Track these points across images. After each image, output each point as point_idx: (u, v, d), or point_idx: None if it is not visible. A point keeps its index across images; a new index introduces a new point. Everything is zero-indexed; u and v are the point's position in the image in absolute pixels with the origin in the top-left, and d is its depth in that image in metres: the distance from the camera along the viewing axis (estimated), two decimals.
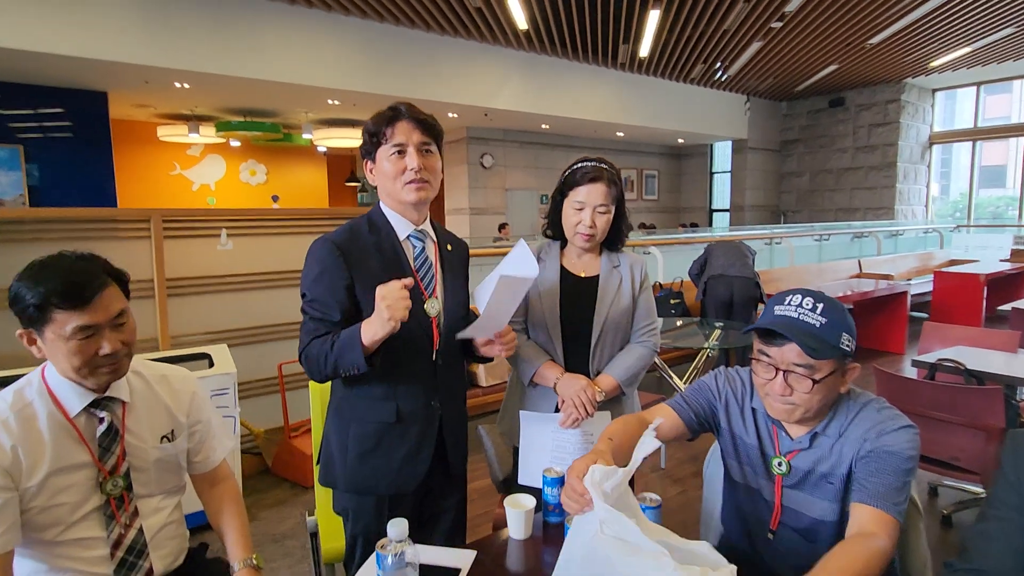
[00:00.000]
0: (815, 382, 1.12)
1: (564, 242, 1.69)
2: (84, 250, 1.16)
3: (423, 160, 1.34)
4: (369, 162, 1.39)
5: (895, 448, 1.11)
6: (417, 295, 1.35)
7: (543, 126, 10.61)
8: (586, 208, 1.58)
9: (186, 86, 7.08)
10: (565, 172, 1.65)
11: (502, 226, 9.68)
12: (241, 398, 2.79)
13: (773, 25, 7.64)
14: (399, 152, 1.33)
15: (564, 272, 1.66)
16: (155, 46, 5.91)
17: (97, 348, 1.11)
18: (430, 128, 1.36)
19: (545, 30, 7.83)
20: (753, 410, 1.28)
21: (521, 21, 7.23)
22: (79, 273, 1.09)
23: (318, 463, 1.46)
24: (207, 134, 9.58)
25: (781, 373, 1.14)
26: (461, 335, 1.35)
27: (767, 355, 1.16)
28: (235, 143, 10.78)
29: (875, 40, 8.31)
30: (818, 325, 1.12)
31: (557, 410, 1.59)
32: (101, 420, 1.18)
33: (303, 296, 1.34)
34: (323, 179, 12.51)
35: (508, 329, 1.40)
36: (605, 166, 1.61)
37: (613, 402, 1.64)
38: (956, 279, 5.89)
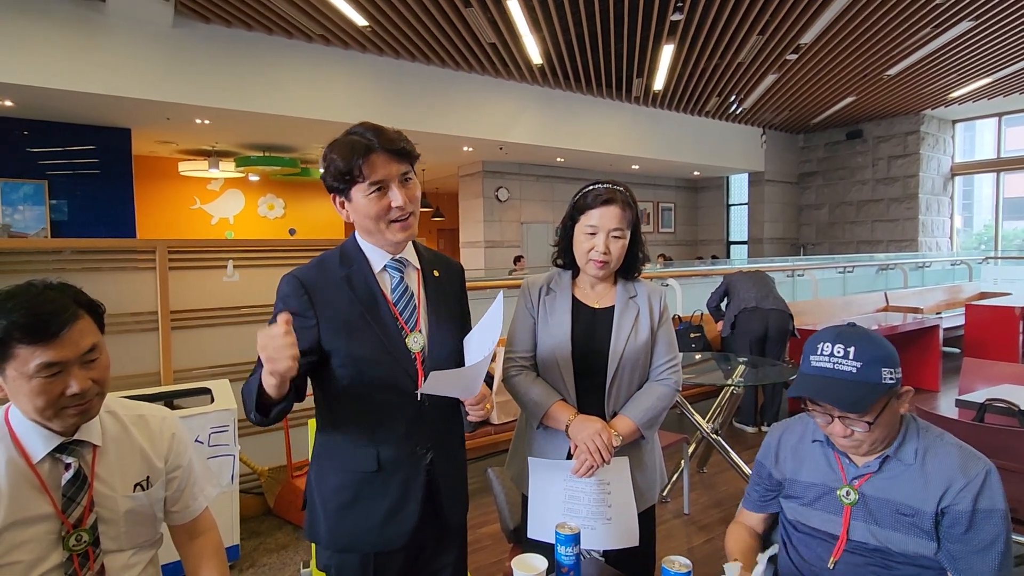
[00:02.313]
0: (870, 424, 1.12)
1: (576, 271, 1.57)
2: (55, 279, 1.06)
3: (406, 192, 1.20)
4: (340, 198, 1.23)
5: (990, 505, 1.08)
6: (396, 330, 1.22)
7: (558, 159, 10.63)
8: (599, 233, 1.45)
9: (207, 122, 7.22)
10: (575, 196, 1.53)
11: (517, 259, 9.63)
12: (242, 435, 2.68)
13: (788, 58, 7.62)
14: (379, 190, 1.19)
15: (576, 303, 1.53)
16: (177, 83, 6.04)
17: (64, 387, 1.00)
18: (406, 155, 1.22)
19: (559, 65, 7.90)
20: (815, 443, 1.27)
21: (536, 56, 7.30)
22: (45, 304, 0.99)
23: (303, 509, 1.32)
24: (227, 169, 9.74)
25: (836, 419, 1.15)
26: (424, 389, 1.13)
27: (818, 405, 1.17)
28: (254, 178, 10.95)
29: (892, 72, 8.25)
30: (854, 371, 1.12)
31: (570, 456, 1.44)
32: (68, 467, 1.06)
33: None
34: None
35: (481, 395, 1.20)
36: (619, 188, 1.49)
37: (632, 447, 1.49)
38: (989, 312, 5.65)
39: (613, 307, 1.52)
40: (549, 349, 1.50)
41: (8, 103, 6.04)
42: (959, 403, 2.51)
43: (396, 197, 1.19)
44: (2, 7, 5.15)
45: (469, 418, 1.24)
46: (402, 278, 1.28)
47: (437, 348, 1.27)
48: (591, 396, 1.49)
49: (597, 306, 1.54)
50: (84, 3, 5.50)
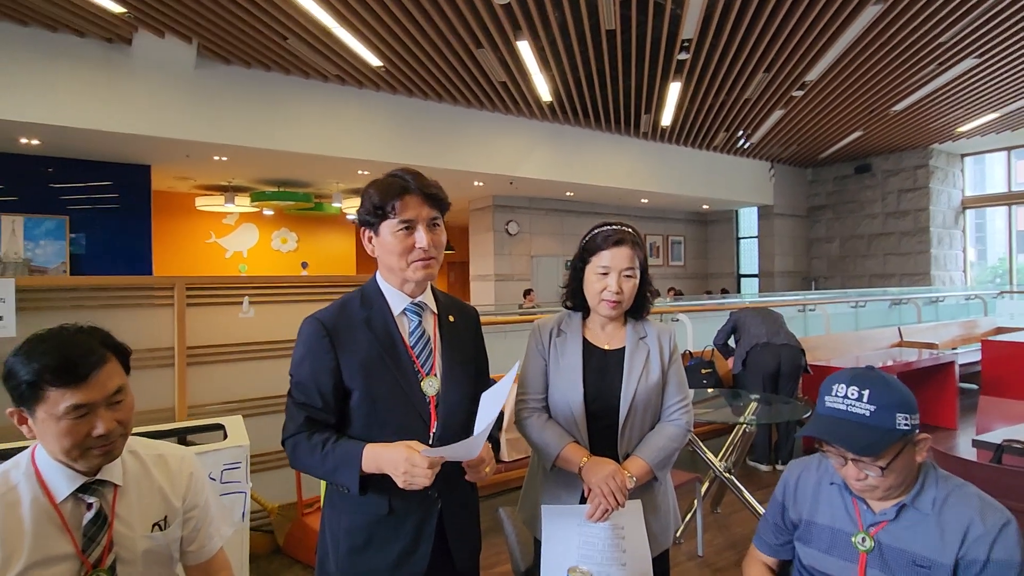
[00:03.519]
0: (883, 468, 1.10)
1: (586, 312, 1.58)
2: (88, 322, 1.11)
3: (432, 237, 1.27)
4: (369, 232, 1.29)
5: (1007, 556, 1.06)
6: (412, 373, 1.26)
7: (568, 193, 10.75)
8: (611, 273, 1.47)
9: (224, 159, 7.41)
10: (585, 238, 1.56)
11: (527, 292, 9.65)
12: (254, 472, 2.68)
13: (794, 94, 7.74)
14: (407, 229, 1.25)
15: (587, 345, 1.54)
16: (198, 122, 6.23)
17: (90, 429, 1.03)
18: (439, 202, 1.29)
19: (568, 102, 8.07)
20: (833, 485, 1.25)
21: (545, 94, 7.47)
22: (75, 347, 1.03)
23: (316, 554, 1.34)
24: (242, 204, 9.94)
25: (850, 461, 1.14)
26: (426, 451, 1.15)
27: (832, 447, 1.16)
28: (268, 212, 11.15)
29: (899, 107, 8.34)
30: (868, 415, 1.11)
31: (583, 499, 1.43)
32: (89, 506, 1.08)
33: (290, 376, 1.27)
34: (351, 246, 12.78)
35: (480, 459, 1.22)
36: (628, 228, 1.52)
37: (644, 489, 1.48)
38: (1007, 348, 5.55)
39: (624, 348, 1.53)
40: (561, 391, 1.51)
41: (36, 142, 6.24)
42: (976, 443, 2.46)
43: (421, 238, 1.25)
44: (34, 51, 5.38)
45: (467, 477, 1.25)
46: (420, 322, 1.31)
47: (450, 393, 1.29)
48: (603, 438, 1.49)
49: (608, 347, 1.55)
50: (111, 46, 5.73)
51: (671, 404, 1.55)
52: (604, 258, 1.48)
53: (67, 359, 1.01)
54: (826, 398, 1.19)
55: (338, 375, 1.23)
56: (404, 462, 1.12)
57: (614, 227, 1.52)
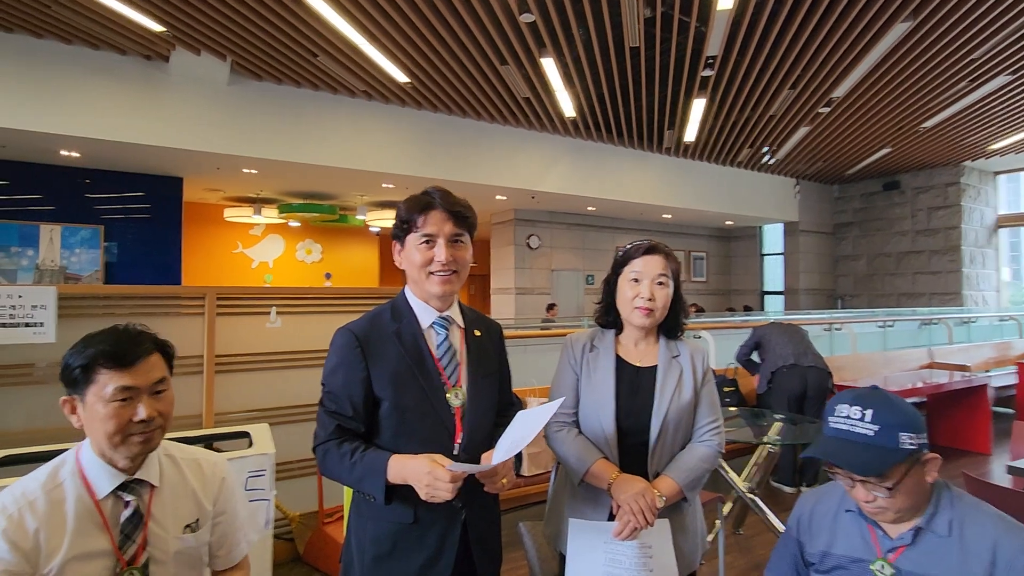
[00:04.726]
0: (890, 489, 1.09)
1: (619, 329, 1.59)
2: (138, 324, 1.21)
3: (452, 252, 1.31)
4: (399, 245, 1.36)
5: None
6: (439, 384, 1.29)
7: (589, 208, 10.76)
8: (643, 280, 1.48)
9: (254, 172, 7.59)
10: (618, 251, 1.58)
11: (550, 306, 9.65)
12: (277, 479, 2.72)
13: (821, 111, 7.66)
14: (428, 242, 1.30)
15: (619, 362, 1.54)
16: (230, 136, 6.41)
17: (133, 413, 1.11)
18: (463, 220, 1.33)
19: (591, 117, 8.11)
20: (849, 512, 1.23)
21: (568, 110, 7.52)
22: (127, 337, 1.14)
23: (340, 561, 1.36)
24: (269, 215, 10.15)
25: (858, 483, 1.13)
26: (452, 467, 1.16)
27: (838, 468, 1.15)
28: (295, 223, 11.36)
29: (928, 124, 8.20)
30: (871, 434, 1.11)
31: (611, 516, 1.43)
32: (127, 504, 1.14)
33: (322, 385, 1.31)
34: (375, 258, 12.93)
35: (495, 471, 1.21)
36: (661, 243, 1.54)
37: (673, 509, 1.47)
38: None
39: (656, 366, 1.52)
40: (592, 407, 1.51)
41: (75, 154, 6.48)
42: (1011, 470, 2.39)
43: (440, 253, 1.29)
44: (77, 67, 5.61)
45: (485, 488, 1.26)
46: (447, 336, 1.35)
47: (475, 404, 1.33)
48: (634, 456, 1.48)
49: (640, 364, 1.54)
50: (149, 63, 5.94)
51: (703, 424, 1.53)
52: (636, 265, 1.51)
53: (119, 344, 1.11)
54: (830, 419, 1.18)
55: (368, 385, 1.27)
56: (427, 475, 1.14)
57: (648, 241, 1.55)
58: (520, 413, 1.23)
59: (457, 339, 1.37)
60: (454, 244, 1.32)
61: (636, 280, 1.49)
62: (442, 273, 1.29)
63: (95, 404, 1.10)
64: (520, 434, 1.17)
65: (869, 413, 1.12)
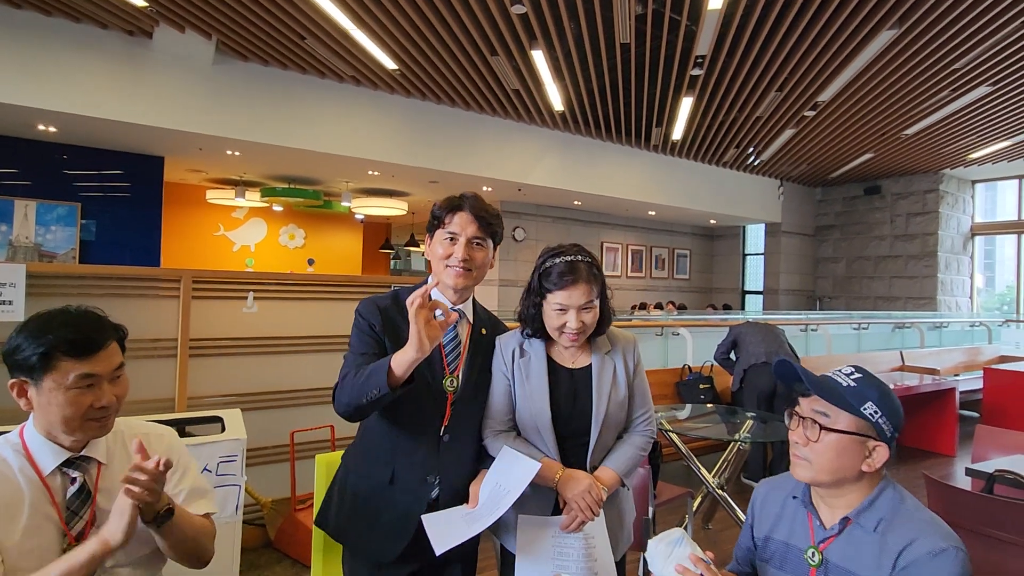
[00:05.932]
0: (822, 429, 1.12)
1: (546, 334, 1.55)
2: (91, 306, 1.18)
3: (470, 251, 1.43)
4: (429, 238, 1.52)
5: None
6: (440, 369, 1.44)
7: (575, 203, 10.78)
8: (569, 310, 1.44)
9: (237, 154, 7.48)
10: (539, 264, 1.52)
11: None
12: (249, 465, 2.71)
13: (806, 114, 7.75)
14: (451, 239, 1.45)
15: (552, 364, 1.53)
16: (214, 117, 6.30)
17: (93, 400, 1.10)
18: (487, 225, 1.46)
19: (580, 112, 8.11)
20: (795, 500, 1.26)
21: (557, 103, 7.51)
22: (89, 323, 1.12)
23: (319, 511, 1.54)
24: (252, 198, 10.01)
25: (801, 422, 1.18)
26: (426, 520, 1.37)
27: (797, 406, 1.20)
28: (278, 208, 11.23)
29: (910, 131, 8.33)
30: (844, 384, 1.14)
31: (555, 510, 1.47)
32: (73, 480, 1.13)
33: (347, 355, 1.43)
34: (358, 245, 12.84)
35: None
36: (581, 259, 1.47)
37: (609, 498, 1.50)
38: (1009, 377, 5.54)
39: (590, 366, 1.52)
40: (529, 413, 1.49)
41: (52, 129, 6.33)
42: (969, 472, 2.47)
43: (459, 250, 1.44)
44: (56, 41, 5.46)
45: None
46: (455, 327, 1.47)
47: (467, 393, 1.46)
48: (574, 455, 1.50)
49: (574, 366, 1.54)
50: (132, 39, 5.81)
51: (637, 416, 1.58)
52: (559, 297, 1.44)
53: (83, 333, 1.10)
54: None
55: (383, 346, 1.42)
56: (412, 306, 1.22)
57: (567, 260, 1.46)
58: (505, 450, 1.39)
59: (464, 332, 1.51)
60: (474, 246, 1.45)
61: (562, 310, 1.45)
62: (457, 267, 1.43)
63: (53, 391, 1.08)
64: (504, 484, 1.33)
65: (857, 376, 1.16)
